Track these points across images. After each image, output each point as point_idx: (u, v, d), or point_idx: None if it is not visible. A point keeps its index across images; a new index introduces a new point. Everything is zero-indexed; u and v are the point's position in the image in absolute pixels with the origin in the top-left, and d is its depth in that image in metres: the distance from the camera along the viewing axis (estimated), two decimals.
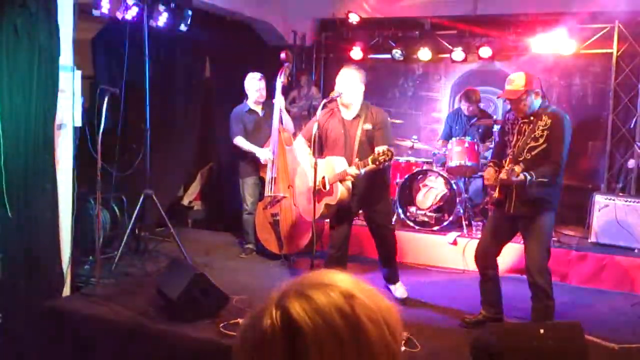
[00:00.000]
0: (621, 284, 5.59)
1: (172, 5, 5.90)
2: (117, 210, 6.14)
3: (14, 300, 4.47)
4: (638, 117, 6.81)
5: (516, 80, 4.09)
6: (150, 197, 5.77)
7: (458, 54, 7.26)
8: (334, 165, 4.52)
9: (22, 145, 4.44)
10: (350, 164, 4.46)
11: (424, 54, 7.50)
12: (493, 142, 6.49)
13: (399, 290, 5.00)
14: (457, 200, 6.38)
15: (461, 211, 6.42)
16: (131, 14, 5.56)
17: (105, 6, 5.33)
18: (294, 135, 5.89)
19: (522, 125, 4.14)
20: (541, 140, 3.99)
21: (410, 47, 7.58)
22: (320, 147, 4.68)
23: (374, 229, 4.94)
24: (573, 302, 5.11)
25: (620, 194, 6.39)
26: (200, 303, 4.30)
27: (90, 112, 5.24)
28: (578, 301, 5.20)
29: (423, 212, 6.55)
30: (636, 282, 5.53)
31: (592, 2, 6.45)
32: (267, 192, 6.02)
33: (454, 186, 6.38)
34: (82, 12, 5.23)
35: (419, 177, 6.68)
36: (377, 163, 4.20)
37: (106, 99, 5.05)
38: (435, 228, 6.45)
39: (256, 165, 6.15)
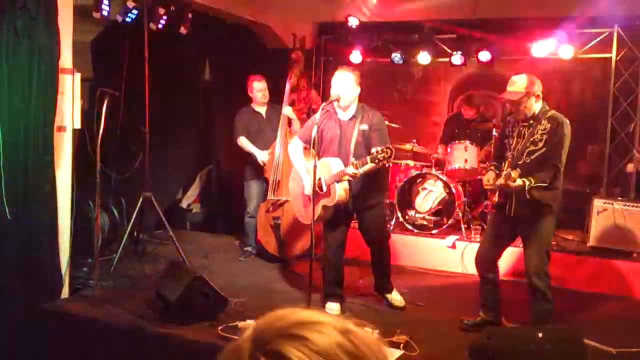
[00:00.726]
0: (619, 288, 5.59)
1: (172, 8, 5.92)
2: (116, 213, 6.14)
3: (12, 302, 4.47)
4: (637, 121, 6.82)
5: (518, 82, 4.10)
6: (149, 200, 5.77)
7: (457, 57, 7.27)
8: (330, 166, 4.49)
9: (21, 147, 4.45)
10: (346, 165, 4.42)
11: (423, 57, 7.50)
12: (492, 146, 6.51)
13: (396, 298, 4.94)
14: (456, 204, 6.38)
15: (460, 215, 6.43)
16: (131, 16, 5.57)
17: (105, 9, 5.34)
18: None
19: (522, 128, 4.15)
20: (540, 145, 3.99)
21: (409, 50, 7.59)
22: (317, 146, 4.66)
23: (368, 235, 4.83)
24: (571, 305, 5.11)
25: (619, 198, 6.39)
26: (199, 306, 4.30)
27: (89, 114, 5.24)
28: (576, 305, 5.20)
29: (422, 215, 6.56)
30: (634, 286, 5.54)
31: (591, 7, 6.46)
32: (269, 196, 6.02)
33: (453, 189, 6.39)
34: (82, 14, 5.24)
35: (418, 181, 6.69)
36: (377, 162, 4.15)
37: (106, 102, 5.05)
38: (434, 231, 6.46)
39: (260, 167, 6.14)
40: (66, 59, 4.75)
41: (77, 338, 4.39)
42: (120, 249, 5.58)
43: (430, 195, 6.57)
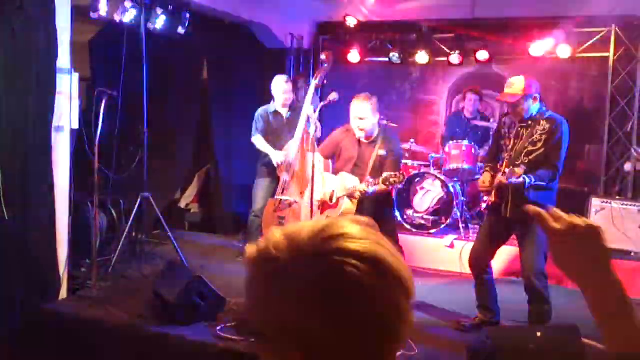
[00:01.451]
0: None
1: (170, 8, 5.91)
2: (114, 213, 6.13)
3: (10, 303, 4.46)
4: (635, 120, 6.83)
5: (515, 84, 4.11)
6: (147, 200, 5.76)
7: (455, 57, 7.28)
8: (345, 182, 4.62)
9: (19, 147, 4.44)
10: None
11: (422, 57, 7.51)
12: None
13: None
14: (454, 203, 6.39)
15: (458, 214, 6.44)
16: (129, 16, 5.56)
17: (103, 9, 5.33)
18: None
19: (519, 129, 4.16)
20: (539, 145, 4.00)
21: (407, 50, 7.60)
22: (333, 161, 4.84)
23: None
24: (570, 305, 5.09)
25: (617, 197, 6.41)
26: (197, 306, 4.30)
27: (87, 114, 5.23)
28: (575, 304, 5.18)
29: (420, 215, 6.56)
30: (632, 286, 5.54)
31: (588, 7, 6.47)
32: (277, 195, 5.94)
33: (451, 189, 6.39)
34: (80, 14, 5.23)
35: (416, 180, 6.69)
36: (387, 184, 4.30)
37: (103, 102, 5.04)
38: (433, 231, 6.47)
39: (273, 167, 6.05)
40: (64, 59, 4.74)
41: (75, 339, 4.39)
42: (119, 249, 5.56)
43: (428, 195, 6.58)
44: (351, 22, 7.52)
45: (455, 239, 6.25)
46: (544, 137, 4.00)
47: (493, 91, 7.50)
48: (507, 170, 3.94)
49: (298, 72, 8.14)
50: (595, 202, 6.12)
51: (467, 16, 7.27)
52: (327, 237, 0.89)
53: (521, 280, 4.33)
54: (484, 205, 4.40)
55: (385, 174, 4.34)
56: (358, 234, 0.91)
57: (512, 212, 4.15)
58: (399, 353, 0.95)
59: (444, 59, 7.46)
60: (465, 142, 6.41)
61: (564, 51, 6.87)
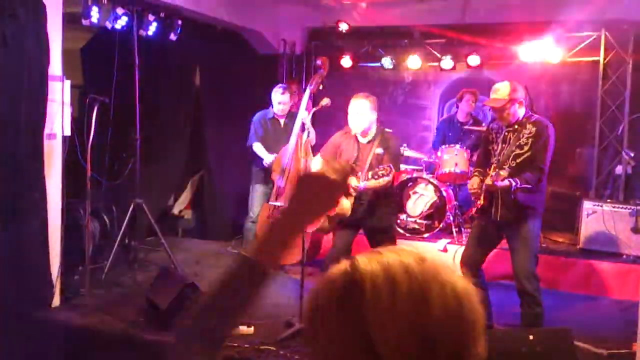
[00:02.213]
0: (609, 290, 5.62)
1: (162, 14, 5.92)
2: (106, 220, 6.12)
3: (3, 311, 4.44)
4: (625, 124, 6.87)
5: (501, 89, 4.15)
6: (140, 206, 5.76)
7: (447, 62, 7.31)
8: None
9: (11, 154, 4.43)
10: None
11: (413, 62, 7.54)
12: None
13: None
14: (447, 208, 6.41)
15: (451, 218, 6.46)
16: (120, 23, 5.57)
17: (94, 16, 5.34)
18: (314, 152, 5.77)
19: (506, 134, 4.20)
20: (526, 148, 4.04)
21: (399, 55, 7.63)
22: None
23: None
24: (562, 308, 5.14)
25: (608, 200, 6.44)
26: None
27: (79, 121, 5.24)
28: (567, 307, 5.23)
29: (413, 219, 6.58)
30: (624, 288, 5.57)
31: (578, 11, 6.51)
32: (271, 200, 5.93)
33: (444, 193, 6.41)
34: (72, 21, 5.24)
35: (409, 185, 6.71)
36: (376, 177, 4.24)
37: (95, 108, 5.05)
38: (426, 235, 6.48)
39: (268, 172, 6.03)
40: (56, 66, 4.74)
41: (68, 347, 4.37)
42: (112, 256, 5.56)
43: (421, 199, 6.59)
44: (343, 27, 7.54)
45: (448, 243, 6.27)
46: (530, 140, 4.04)
47: (485, 96, 7.54)
48: (492, 173, 3.98)
49: (291, 78, 8.15)
50: (587, 205, 6.15)
51: (458, 21, 7.31)
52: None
53: (514, 284, 4.35)
54: (474, 210, 4.41)
55: (375, 169, 4.30)
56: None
57: (501, 215, 4.17)
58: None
59: (436, 64, 7.49)
60: (458, 146, 6.43)
61: (555, 55, 6.91)
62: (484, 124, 6.90)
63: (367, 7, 7.78)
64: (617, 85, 6.91)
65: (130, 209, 5.73)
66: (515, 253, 4.23)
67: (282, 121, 6.15)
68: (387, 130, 4.74)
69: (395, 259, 0.95)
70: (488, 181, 4.00)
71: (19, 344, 4.42)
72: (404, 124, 8.21)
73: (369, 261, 0.95)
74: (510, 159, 4.07)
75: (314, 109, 4.68)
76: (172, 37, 6.09)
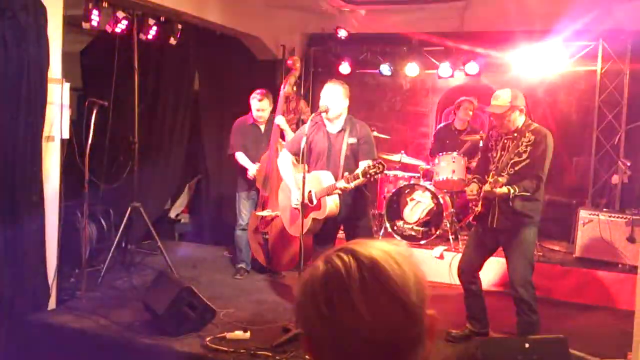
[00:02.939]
0: (605, 299, 5.64)
1: (162, 19, 5.94)
2: (104, 223, 6.12)
3: None
4: (622, 133, 6.91)
5: (502, 96, 4.17)
6: (137, 210, 5.76)
7: (445, 69, 7.34)
8: (320, 179, 4.49)
9: (9, 156, 4.43)
10: (336, 178, 4.44)
11: (412, 69, 7.57)
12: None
13: None
14: (444, 215, 6.42)
15: (448, 225, 6.47)
16: (121, 27, 5.58)
17: (95, 19, 5.35)
18: None
19: (505, 141, 4.22)
20: (525, 156, 4.06)
21: (398, 62, 7.66)
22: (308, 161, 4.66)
23: None
24: (558, 316, 5.15)
25: (605, 209, 6.46)
26: (187, 317, 4.29)
27: (78, 124, 5.24)
28: (563, 315, 5.24)
29: (410, 226, 6.59)
30: (620, 297, 5.59)
31: (576, 21, 6.56)
32: (258, 211, 5.90)
33: (441, 200, 6.43)
34: (72, 24, 5.25)
35: (406, 192, 6.72)
36: (368, 176, 4.16)
37: (94, 112, 5.05)
38: (422, 242, 6.49)
39: (253, 179, 6.02)
40: (55, 68, 4.75)
41: (64, 350, 4.37)
42: (108, 259, 5.56)
43: (418, 206, 6.61)
44: (342, 34, 7.57)
45: (444, 250, 6.28)
46: (529, 148, 4.06)
47: (482, 103, 7.57)
48: (491, 180, 3.99)
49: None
50: (583, 214, 6.17)
51: (457, 29, 7.35)
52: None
53: (510, 292, 4.35)
54: (471, 217, 4.43)
55: (364, 164, 4.23)
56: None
57: (498, 222, 4.19)
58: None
59: (434, 71, 7.52)
60: (455, 154, 6.45)
61: (552, 65, 6.96)
62: (481, 132, 6.93)
63: (366, 14, 7.82)
64: (614, 94, 6.95)
65: (128, 212, 5.73)
66: (511, 260, 4.25)
67: (262, 127, 6.07)
68: (355, 119, 4.70)
69: (367, 253, 1.05)
70: (486, 188, 4.02)
71: (15, 346, 4.42)
72: (402, 131, 8.25)
73: (346, 257, 1.03)
74: (509, 166, 4.09)
75: (313, 115, 4.66)
76: (172, 41, 6.10)
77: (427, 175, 6.80)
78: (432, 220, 6.61)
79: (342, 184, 4.30)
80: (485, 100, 6.35)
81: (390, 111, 8.33)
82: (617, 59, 6.86)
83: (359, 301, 0.97)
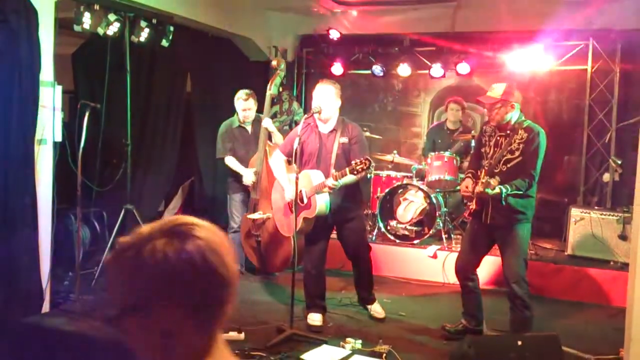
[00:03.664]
0: (597, 296, 5.68)
1: (154, 21, 5.93)
2: (97, 226, 6.11)
3: None
4: (612, 132, 6.96)
5: (496, 89, 4.21)
6: (131, 212, 5.75)
7: (437, 70, 7.38)
8: (311, 178, 4.52)
9: (1, 160, 4.41)
10: (327, 177, 4.47)
11: (404, 69, 7.61)
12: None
13: (377, 310, 4.99)
14: (437, 214, 6.45)
15: (441, 225, 6.50)
16: (112, 29, 5.57)
17: (86, 22, 5.34)
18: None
19: (499, 138, 4.24)
20: (517, 154, 4.09)
21: (389, 63, 7.70)
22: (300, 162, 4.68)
23: (349, 247, 4.87)
24: (550, 314, 5.19)
25: (596, 207, 6.51)
26: None
27: (70, 127, 5.22)
28: (555, 313, 5.28)
29: (403, 225, 6.61)
30: (612, 294, 5.63)
31: (567, 20, 6.61)
32: (249, 214, 5.89)
33: (434, 200, 6.46)
34: (63, 27, 5.24)
35: (399, 191, 6.75)
36: (355, 173, 4.20)
37: (87, 114, 5.04)
38: (416, 241, 6.52)
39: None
40: (47, 71, 4.74)
41: (58, 353, 4.35)
42: (102, 262, 5.54)
43: (411, 206, 6.63)
44: (334, 35, 7.60)
45: (438, 250, 6.31)
46: (521, 146, 4.09)
47: (474, 103, 7.61)
48: (484, 180, 4.02)
49: (281, 85, 8.17)
50: (575, 212, 6.21)
51: (448, 29, 7.39)
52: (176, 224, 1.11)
53: (504, 290, 4.38)
54: (467, 213, 4.45)
55: (353, 162, 4.25)
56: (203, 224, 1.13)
57: (492, 218, 4.21)
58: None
59: (426, 71, 7.56)
60: (447, 153, 6.48)
61: (543, 64, 7.01)
62: (473, 132, 6.97)
63: (358, 15, 7.85)
64: (605, 93, 7.01)
65: (121, 214, 5.72)
66: (504, 257, 4.27)
67: (248, 128, 6.05)
68: (347, 120, 4.74)
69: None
70: (479, 188, 4.04)
71: (8, 350, 4.40)
72: (394, 131, 8.28)
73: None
74: (501, 163, 4.12)
75: (305, 116, 4.68)
76: (164, 43, 6.10)
77: (420, 175, 6.83)
78: (425, 219, 6.63)
79: (330, 181, 4.34)
80: (475, 99, 6.37)
81: (382, 111, 8.36)
82: (607, 58, 6.92)
83: None
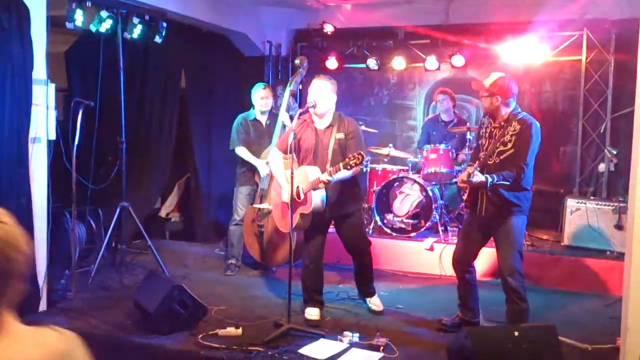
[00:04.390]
0: (594, 286, 5.69)
1: (147, 17, 5.91)
2: (93, 224, 6.10)
3: None
4: (607, 122, 6.97)
5: (490, 78, 4.23)
6: (126, 210, 5.75)
7: (431, 62, 7.37)
8: (307, 174, 4.51)
9: None
10: (323, 173, 4.47)
11: (398, 63, 7.60)
12: (467, 149, 6.60)
13: (375, 302, 5.00)
14: (433, 207, 6.45)
15: (437, 217, 6.50)
16: (105, 26, 5.55)
17: (79, 19, 5.32)
18: None
19: (493, 129, 4.25)
20: (509, 145, 4.09)
21: (384, 56, 7.68)
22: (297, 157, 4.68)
23: (348, 242, 4.88)
24: (547, 304, 5.20)
25: (592, 197, 6.52)
26: (179, 315, 4.29)
27: (64, 125, 5.20)
28: (552, 303, 5.29)
29: (400, 218, 6.62)
30: (608, 284, 5.65)
31: (561, 11, 6.61)
32: (255, 203, 5.91)
33: (430, 193, 6.46)
34: (56, 25, 5.22)
35: (395, 185, 6.75)
36: (349, 167, 4.20)
37: (80, 112, 5.03)
38: (412, 234, 6.52)
39: (253, 174, 6.01)
40: (40, 69, 4.72)
41: None
42: (98, 260, 5.54)
43: (407, 199, 6.64)
44: (328, 29, 7.58)
45: (434, 242, 6.32)
46: (514, 137, 4.09)
47: (469, 96, 7.61)
48: (470, 170, 4.03)
49: (276, 79, 8.17)
50: (571, 203, 6.23)
51: (442, 22, 7.38)
52: None
53: (500, 282, 4.39)
54: (462, 205, 4.46)
55: (346, 159, 4.25)
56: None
57: (486, 210, 4.21)
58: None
59: (421, 64, 7.55)
60: (443, 146, 6.48)
61: (537, 55, 7.00)
62: (468, 124, 6.97)
63: (351, 8, 7.83)
64: (599, 83, 7.01)
65: (117, 212, 5.72)
66: (500, 250, 4.28)
67: (264, 122, 6.08)
68: (344, 115, 4.73)
69: None
70: (462, 177, 4.06)
71: None
72: (390, 125, 8.28)
73: None
74: (495, 154, 4.13)
75: (300, 111, 4.67)
76: (157, 39, 6.07)
77: (416, 168, 6.84)
78: (421, 212, 6.64)
79: (325, 176, 4.34)
80: (473, 93, 6.37)
81: (377, 105, 8.36)
82: (601, 49, 6.92)
83: None
